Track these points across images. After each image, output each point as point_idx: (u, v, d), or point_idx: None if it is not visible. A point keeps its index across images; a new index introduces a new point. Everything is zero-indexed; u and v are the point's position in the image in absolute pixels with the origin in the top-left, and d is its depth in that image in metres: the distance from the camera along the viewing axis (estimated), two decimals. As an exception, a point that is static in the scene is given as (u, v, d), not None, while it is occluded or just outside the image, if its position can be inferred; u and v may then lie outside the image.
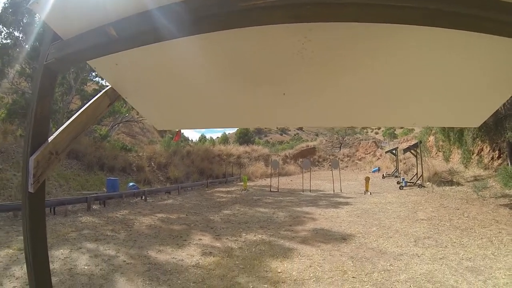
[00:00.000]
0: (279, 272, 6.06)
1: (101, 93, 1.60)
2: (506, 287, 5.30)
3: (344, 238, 8.45)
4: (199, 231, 9.27)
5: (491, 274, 5.82)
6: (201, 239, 8.39)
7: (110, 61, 1.31)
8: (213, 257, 6.91)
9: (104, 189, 14.60)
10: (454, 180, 18.90)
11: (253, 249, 7.51)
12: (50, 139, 1.39)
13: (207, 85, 1.52)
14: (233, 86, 1.50)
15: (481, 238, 8.19)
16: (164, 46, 1.15)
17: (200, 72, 1.40)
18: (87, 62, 1.39)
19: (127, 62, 1.33)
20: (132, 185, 15.60)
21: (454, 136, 15.96)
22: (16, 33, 18.94)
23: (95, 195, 12.53)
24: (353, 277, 5.77)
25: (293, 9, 0.91)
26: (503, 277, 5.68)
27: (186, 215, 11.63)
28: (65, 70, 16.74)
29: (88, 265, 6.14)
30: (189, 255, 6.96)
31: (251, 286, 5.44)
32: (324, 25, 1.04)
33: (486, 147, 20.37)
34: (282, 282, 5.61)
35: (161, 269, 6.08)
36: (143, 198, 14.51)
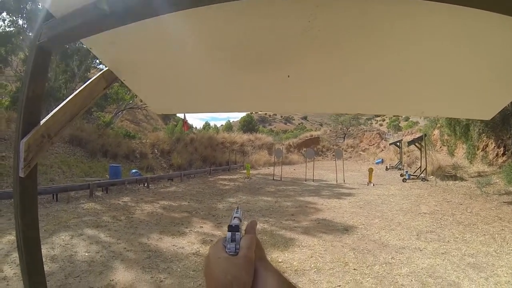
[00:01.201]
0: (279, 262, 6.05)
1: (97, 74, 1.54)
2: (508, 285, 5.24)
3: (346, 229, 8.43)
4: (200, 218, 9.27)
5: (493, 271, 5.77)
6: (202, 227, 8.39)
7: (106, 40, 1.24)
8: (214, 245, 6.89)
9: (107, 175, 14.61)
10: (458, 175, 18.83)
11: (254, 238, 7.49)
12: (42, 121, 1.34)
13: (208, 66, 1.46)
14: (236, 67, 1.43)
15: (484, 234, 8.12)
16: (163, 24, 1.10)
17: (200, 52, 1.34)
18: (83, 41, 1.32)
19: (124, 41, 1.26)
20: (135, 172, 15.64)
21: (460, 130, 15.88)
22: (20, 21, 18.87)
23: (98, 181, 12.53)
24: (354, 269, 5.75)
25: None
26: (505, 275, 5.62)
27: (188, 202, 11.64)
28: (58, 49, 16.62)
29: (89, 252, 6.15)
30: (189, 243, 6.96)
31: (251, 276, 5.42)
32: (333, 1, 0.97)
33: (492, 143, 20.22)
34: (283, 272, 5.55)
35: (161, 257, 6.07)
36: (146, 185, 14.51)
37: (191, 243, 6.99)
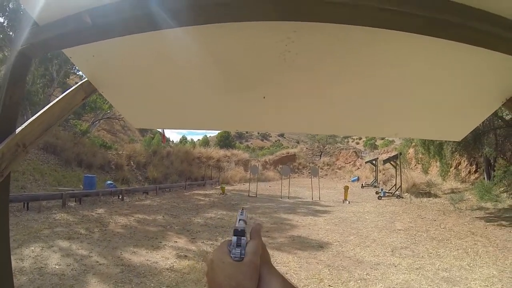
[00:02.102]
0: None
1: (76, 85, 1.52)
2: None
3: (321, 246, 8.45)
4: (175, 233, 9.16)
5: (467, 285, 5.92)
6: (176, 241, 8.29)
7: (87, 52, 1.23)
8: (188, 260, 6.81)
9: (81, 186, 14.27)
10: (431, 192, 19.32)
11: (229, 254, 7.43)
12: (18, 130, 1.30)
13: (186, 84, 1.47)
14: (213, 86, 1.45)
15: (457, 249, 8.31)
16: (144, 39, 1.10)
17: (178, 70, 1.35)
18: (64, 51, 1.31)
19: (105, 54, 1.26)
20: (110, 183, 15.36)
21: (434, 149, 16.32)
22: (1, 19, 18.41)
23: (71, 191, 12.24)
24: (329, 285, 5.76)
25: (277, 5, 0.87)
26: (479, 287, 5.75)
27: (163, 216, 11.50)
28: (39, 56, 16.27)
29: (60, 265, 5.97)
30: (163, 258, 6.85)
31: (226, 292, 5.35)
32: (310, 27, 1.00)
33: (464, 161, 20.95)
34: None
35: (134, 271, 5.95)
36: (120, 197, 14.27)
37: (165, 258, 6.87)
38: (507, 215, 12.64)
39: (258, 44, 1.13)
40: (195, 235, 9.13)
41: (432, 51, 1.11)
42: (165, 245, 7.86)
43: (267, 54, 1.18)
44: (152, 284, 5.44)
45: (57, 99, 1.48)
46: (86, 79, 1.52)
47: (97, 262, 6.26)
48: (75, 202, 12.09)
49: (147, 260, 6.62)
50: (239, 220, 0.72)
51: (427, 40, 0.93)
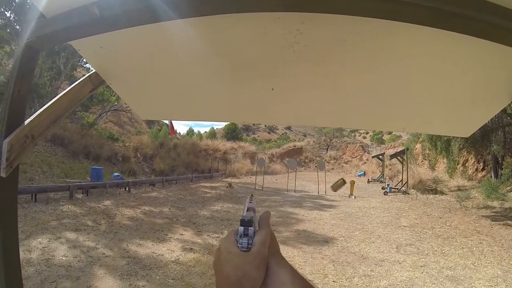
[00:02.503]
0: None
1: (84, 77, 1.53)
2: None
3: (326, 241, 8.46)
4: (181, 226, 9.21)
5: (471, 284, 5.89)
6: (182, 234, 8.33)
7: (94, 43, 1.23)
8: (194, 253, 6.85)
9: (88, 178, 14.38)
10: (438, 188, 19.20)
11: (234, 247, 7.45)
12: (26, 121, 1.31)
13: (194, 75, 1.46)
14: (220, 78, 1.44)
15: (462, 247, 8.28)
16: (151, 30, 1.10)
17: (185, 61, 1.34)
18: (71, 43, 1.31)
19: (112, 46, 1.26)
20: (117, 175, 15.46)
21: (441, 145, 16.20)
22: (8, 13, 18.50)
23: (79, 183, 12.34)
24: (333, 281, 5.77)
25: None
26: (483, 287, 5.74)
27: (169, 209, 11.55)
28: (47, 48, 16.39)
29: (66, 256, 6.03)
30: (169, 250, 6.90)
31: (231, 285, 5.37)
32: (318, 18, 0.99)
33: (471, 158, 20.76)
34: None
35: (140, 264, 5.99)
36: (127, 189, 14.36)
37: (171, 250, 6.92)
38: (513, 215, 12.54)
39: (266, 35, 1.12)
40: (201, 227, 9.18)
41: (441, 45, 1.10)
42: (171, 237, 7.90)
43: (275, 46, 1.17)
44: (158, 277, 5.48)
45: (65, 91, 1.49)
46: (93, 71, 1.53)
47: (104, 254, 6.31)
48: (82, 194, 12.17)
49: (153, 252, 6.66)
50: (247, 208, 0.71)
51: (436, 33, 0.92)
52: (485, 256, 7.56)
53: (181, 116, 2.15)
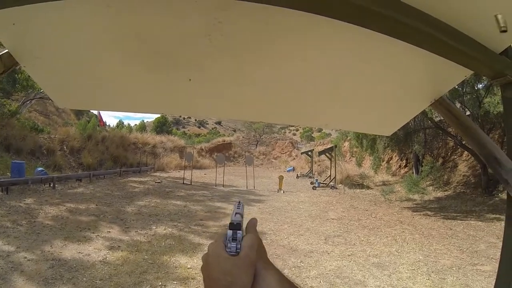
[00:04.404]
0: (188, 268, 6.08)
1: (-6, 57, 1.35)
2: (409, 280, 5.87)
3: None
4: (108, 223, 8.96)
5: (396, 269, 6.43)
6: (109, 231, 8.12)
7: (6, 20, 1.09)
8: (121, 251, 6.72)
9: (8, 173, 13.26)
10: (364, 183, 20.54)
11: (163, 243, 7.45)
12: None
13: (111, 62, 1.36)
14: (138, 66, 1.35)
15: (387, 236, 8.96)
16: (69, 11, 1.02)
17: (103, 46, 1.25)
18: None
19: (27, 23, 1.11)
20: (40, 170, 14.44)
21: (367, 143, 17.28)
22: None
23: (-3, 180, 11.30)
24: (263, 274, 5.88)
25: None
26: (406, 271, 6.30)
27: (96, 205, 11.13)
28: None
29: (-17, 262, 5.55)
30: (96, 250, 6.69)
31: (160, 283, 5.37)
32: (238, 7, 0.95)
33: (395, 156, 22.52)
34: (192, 279, 5.62)
35: (65, 266, 5.73)
36: (52, 185, 13.52)
37: (98, 249, 6.72)
38: (431, 206, 13.88)
39: (184, 23, 1.07)
40: (129, 224, 9.01)
41: (367, 45, 1.13)
42: (98, 236, 7.66)
43: (193, 33, 1.12)
44: (85, 279, 5.29)
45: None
46: (6, 50, 1.36)
47: (25, 258, 5.94)
48: (1, 191, 11.22)
49: (79, 252, 6.41)
50: (235, 213, 0.70)
51: (364, 32, 0.94)
52: (407, 244, 8.26)
53: (101, 105, 2.01)
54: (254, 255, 0.61)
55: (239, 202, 0.77)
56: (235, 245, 0.60)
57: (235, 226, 0.62)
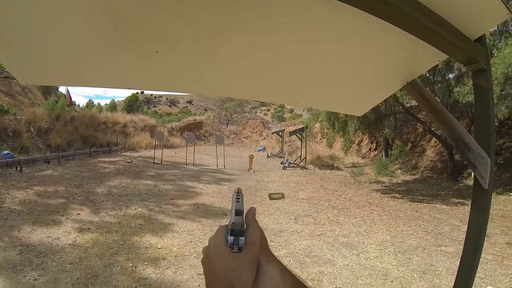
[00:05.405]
0: (159, 248, 6.15)
1: None
2: (376, 259, 6.13)
3: (225, 213, 8.76)
4: (78, 205, 8.87)
5: (364, 248, 6.69)
6: (79, 214, 8.05)
7: None
8: (91, 233, 6.72)
9: (-29, 157, 12.74)
10: (334, 165, 21.00)
11: (133, 224, 7.47)
12: None
13: (74, 34, 1.27)
14: (103, 38, 1.28)
15: (356, 217, 9.28)
16: None
17: (65, 16, 1.17)
18: None
19: None
20: (6, 153, 13.99)
21: (338, 125, 17.54)
22: None
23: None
24: (232, 253, 5.98)
25: None
26: (374, 251, 6.58)
27: (65, 187, 10.96)
28: None
29: None
30: (65, 233, 6.65)
31: (131, 264, 5.42)
32: None
33: (366, 139, 23.13)
34: (163, 259, 5.69)
35: (34, 251, 5.67)
36: (18, 168, 13.19)
37: (67, 232, 6.68)
38: (399, 189, 14.42)
39: None
40: (99, 205, 8.96)
41: (340, 21, 1.10)
42: (67, 218, 7.59)
43: (160, 5, 1.08)
44: (54, 263, 5.26)
45: None
46: None
47: (-8, 245, 5.82)
48: (-35, 176, 10.79)
49: (48, 237, 6.36)
50: (235, 211, 0.65)
51: (337, 8, 0.92)
52: (375, 224, 8.60)
53: (64, 80, 1.90)
54: (258, 250, 0.61)
55: (239, 192, 0.72)
56: (237, 246, 0.59)
57: (237, 233, 0.59)
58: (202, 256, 0.64)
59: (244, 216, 0.66)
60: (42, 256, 5.46)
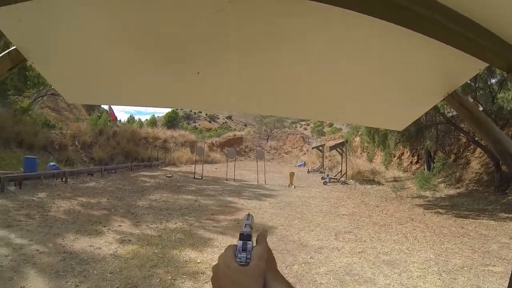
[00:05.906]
0: (198, 263, 6.07)
1: (2, 54, 1.36)
2: (419, 279, 5.76)
3: (266, 229, 8.54)
4: (119, 216, 9.01)
5: (406, 267, 6.33)
6: (120, 225, 8.16)
7: (12, 16, 1.09)
8: (132, 245, 6.76)
9: (21, 168, 13.41)
10: (375, 179, 20.35)
11: (173, 238, 7.45)
12: None
13: (118, 56, 1.35)
14: (146, 60, 1.35)
15: (398, 234, 8.84)
16: (73, 6, 1.03)
17: (110, 40, 1.25)
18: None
19: (33, 20, 1.12)
20: (53, 165, 14.62)
21: (379, 139, 17.10)
22: None
23: (11, 175, 11.50)
24: (273, 269, 5.86)
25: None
26: (417, 270, 6.20)
27: (108, 199, 11.23)
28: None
29: (-3, 255, 5.64)
30: (107, 243, 6.73)
31: (170, 277, 5.37)
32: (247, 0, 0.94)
33: (407, 152, 22.32)
34: (201, 273, 5.61)
35: (76, 259, 5.78)
36: (64, 179, 13.69)
37: (109, 243, 6.76)
38: (443, 204, 13.64)
39: (189, 13, 1.06)
40: (140, 218, 9.05)
41: (378, 36, 1.10)
42: (109, 229, 7.72)
43: (201, 26, 1.11)
44: (95, 271, 5.32)
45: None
46: (14, 47, 1.37)
47: (38, 250, 6.00)
48: (15, 186, 11.40)
49: (90, 246, 6.46)
50: (245, 225, 0.70)
51: (374, 23, 0.91)
52: (418, 241, 8.13)
53: (109, 100, 2.02)
54: (264, 266, 0.61)
55: (249, 214, 0.78)
56: (245, 255, 0.60)
57: (245, 237, 0.63)
58: (212, 274, 0.65)
59: (254, 237, 0.69)
60: (84, 264, 5.55)
